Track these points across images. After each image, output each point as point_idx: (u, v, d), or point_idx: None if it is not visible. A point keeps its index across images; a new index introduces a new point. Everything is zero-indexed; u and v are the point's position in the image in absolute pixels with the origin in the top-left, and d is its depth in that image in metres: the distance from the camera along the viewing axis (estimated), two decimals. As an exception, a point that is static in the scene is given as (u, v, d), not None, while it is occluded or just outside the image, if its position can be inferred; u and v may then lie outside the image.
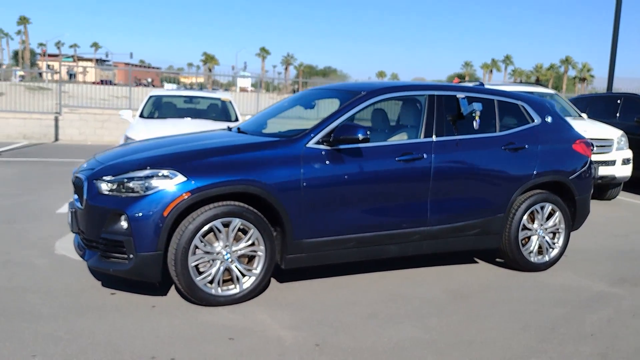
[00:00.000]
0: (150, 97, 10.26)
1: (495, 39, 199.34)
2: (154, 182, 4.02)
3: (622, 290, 5.01)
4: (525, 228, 5.36)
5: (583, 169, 5.63)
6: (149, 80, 72.23)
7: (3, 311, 3.95)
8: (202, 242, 4.11)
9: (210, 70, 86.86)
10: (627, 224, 8.03)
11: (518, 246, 5.31)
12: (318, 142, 4.52)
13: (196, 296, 4.14)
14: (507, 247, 5.32)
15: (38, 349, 3.41)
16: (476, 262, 5.71)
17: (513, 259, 5.37)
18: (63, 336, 3.61)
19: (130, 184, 4.04)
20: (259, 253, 4.31)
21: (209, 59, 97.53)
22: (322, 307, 4.30)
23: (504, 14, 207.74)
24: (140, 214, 3.96)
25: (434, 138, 4.94)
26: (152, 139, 5.45)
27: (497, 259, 5.69)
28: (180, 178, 4.04)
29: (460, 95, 5.19)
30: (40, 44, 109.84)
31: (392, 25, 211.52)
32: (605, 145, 9.33)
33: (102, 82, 38.42)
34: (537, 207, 5.38)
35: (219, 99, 10.40)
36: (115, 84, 39.52)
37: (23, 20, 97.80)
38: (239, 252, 4.25)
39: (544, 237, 5.47)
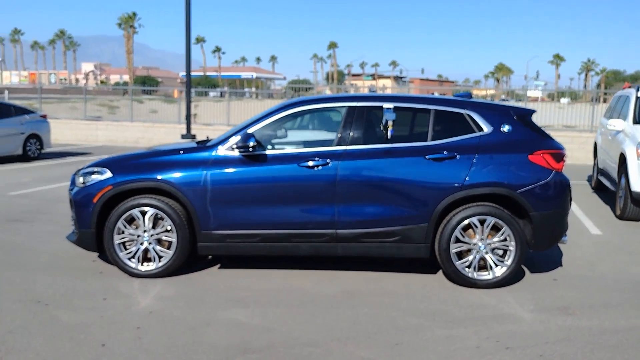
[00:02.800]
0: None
1: None
2: (93, 177, 5.36)
3: (533, 316, 4.54)
4: (459, 241, 5.17)
5: (541, 183, 5.12)
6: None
7: (10, 260, 5.72)
8: (125, 226, 5.28)
9: (497, 80, 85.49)
10: None
11: (449, 259, 5.16)
12: (228, 149, 5.28)
13: (120, 267, 5.34)
14: (439, 258, 5.22)
15: (-10, 286, 5.03)
16: (432, 274, 5.61)
17: (446, 271, 5.24)
18: (15, 280, 5.18)
19: (82, 178, 5.44)
20: (172, 239, 5.29)
21: (498, 70, 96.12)
22: (207, 289, 5.08)
23: None
24: (80, 200, 5.34)
25: (345, 147, 5.23)
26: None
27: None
28: (108, 174, 5.31)
29: (387, 105, 5.32)
30: (348, 65, 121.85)
31: None
32: None
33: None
34: (475, 220, 5.13)
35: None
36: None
37: (332, 45, 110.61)
38: (156, 237, 5.30)
39: (487, 253, 5.17)
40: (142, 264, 5.34)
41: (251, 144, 5.12)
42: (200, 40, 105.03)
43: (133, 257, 5.33)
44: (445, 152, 5.16)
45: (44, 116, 16.06)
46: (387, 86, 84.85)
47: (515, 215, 5.19)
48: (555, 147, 5.29)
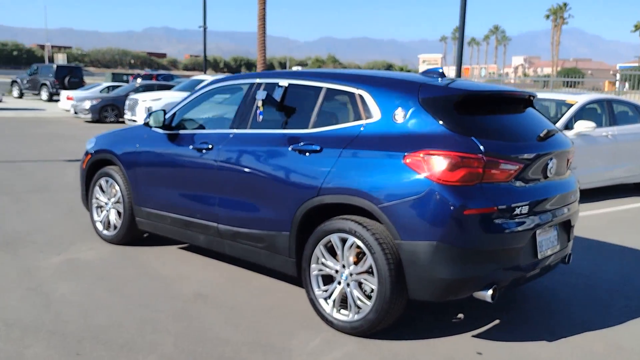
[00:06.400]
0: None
1: None
2: (88, 146, 5.98)
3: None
4: (321, 262, 3.88)
5: (413, 198, 3.38)
6: None
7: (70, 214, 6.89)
8: (98, 192, 5.77)
9: None
10: None
11: (308, 283, 3.95)
12: (157, 125, 5.18)
13: (94, 229, 5.85)
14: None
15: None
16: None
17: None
18: (23, 225, 6.26)
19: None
20: (120, 210, 5.53)
21: None
22: (109, 262, 5.13)
23: None
24: (80, 165, 6.05)
25: (234, 130, 4.50)
26: None
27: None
28: (93, 144, 5.86)
29: (282, 82, 4.31)
30: None
31: None
32: None
33: None
34: (335, 237, 3.76)
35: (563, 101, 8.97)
36: None
37: None
38: (112, 206, 5.62)
39: (348, 285, 3.74)
40: (106, 229, 5.74)
41: (147, 120, 4.98)
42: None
43: (101, 222, 5.78)
44: (302, 144, 3.94)
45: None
46: None
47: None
48: (458, 148, 3.37)
